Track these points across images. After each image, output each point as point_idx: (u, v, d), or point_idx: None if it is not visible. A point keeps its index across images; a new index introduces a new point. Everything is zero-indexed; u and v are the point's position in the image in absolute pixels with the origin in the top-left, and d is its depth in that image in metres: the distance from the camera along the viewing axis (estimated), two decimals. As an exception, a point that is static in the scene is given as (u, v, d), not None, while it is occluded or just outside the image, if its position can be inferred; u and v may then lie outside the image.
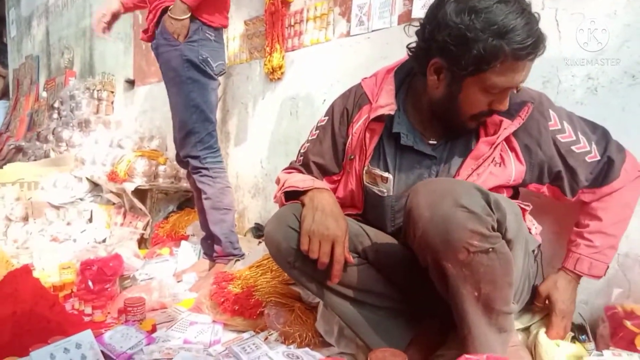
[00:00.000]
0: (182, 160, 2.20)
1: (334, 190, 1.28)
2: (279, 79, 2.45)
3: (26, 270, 1.63)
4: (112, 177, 2.82)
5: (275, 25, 2.40)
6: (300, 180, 1.20)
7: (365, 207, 1.27)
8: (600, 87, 1.33)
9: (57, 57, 5.40)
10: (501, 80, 1.00)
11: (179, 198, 2.99)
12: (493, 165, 1.11)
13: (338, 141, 1.28)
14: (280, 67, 2.41)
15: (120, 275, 2.04)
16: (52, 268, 2.29)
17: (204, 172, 2.10)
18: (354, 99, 1.27)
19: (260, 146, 2.63)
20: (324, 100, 2.21)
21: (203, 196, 2.13)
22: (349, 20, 2.10)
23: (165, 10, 1.97)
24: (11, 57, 7.33)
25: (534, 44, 0.96)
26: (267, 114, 2.58)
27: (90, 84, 4.15)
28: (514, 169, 1.13)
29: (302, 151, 1.36)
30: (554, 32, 1.40)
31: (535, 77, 1.44)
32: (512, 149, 1.13)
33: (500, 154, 1.12)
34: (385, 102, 1.17)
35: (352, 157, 1.24)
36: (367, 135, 1.20)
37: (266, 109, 2.58)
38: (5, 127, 6.70)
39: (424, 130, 1.18)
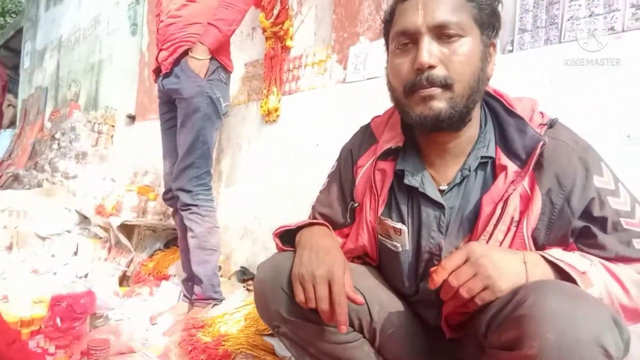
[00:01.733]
0: (169, 198, 2.16)
1: (343, 245, 1.10)
2: (274, 121, 2.44)
3: (-13, 303, 1.55)
4: (99, 210, 2.78)
5: (273, 68, 2.42)
6: (294, 222, 1.05)
7: (380, 262, 1.09)
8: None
9: (65, 90, 5.49)
10: (399, 24, 0.90)
11: (167, 236, 2.93)
12: (513, 226, 0.88)
13: (345, 188, 1.10)
14: (276, 110, 2.41)
15: (92, 314, 1.95)
16: (25, 301, 2.20)
17: (194, 209, 2.06)
18: (359, 139, 1.11)
19: (252, 188, 2.59)
20: (317, 145, 2.19)
21: (189, 234, 2.07)
22: (345, 68, 2.10)
23: (186, 52, 2.04)
24: (22, 88, 7.47)
25: None
26: (260, 156, 2.55)
27: (92, 117, 4.18)
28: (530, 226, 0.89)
29: (312, 204, 1.19)
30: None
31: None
32: (530, 198, 0.88)
33: (520, 206, 0.88)
34: (391, 136, 1.01)
35: (357, 205, 1.06)
36: (377, 177, 1.01)
37: (260, 151, 2.56)
38: (8, 155, 6.73)
39: (435, 171, 0.97)
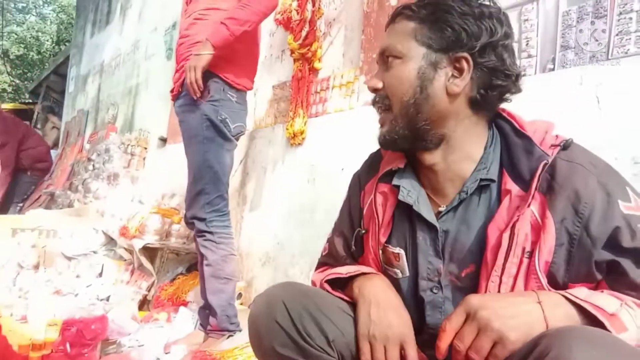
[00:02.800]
0: (189, 222, 2.10)
1: None
2: (299, 144, 2.37)
3: (-7, 325, 1.50)
4: (123, 232, 2.75)
5: (300, 90, 2.36)
6: (343, 268, 0.97)
7: None
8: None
9: (104, 113, 5.64)
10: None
11: (190, 260, 2.86)
12: (525, 257, 0.77)
13: (354, 216, 1.04)
14: (302, 132, 2.33)
15: (104, 339, 1.89)
16: (42, 323, 2.17)
17: (208, 236, 1.97)
18: (368, 165, 1.06)
19: (275, 213, 2.50)
20: (342, 169, 2.08)
21: (204, 262, 1.99)
22: (373, 89, 2.01)
23: None
24: (65, 111, 7.77)
25: (402, 7, 0.89)
26: (285, 180, 2.47)
27: (125, 139, 4.24)
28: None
29: (328, 237, 1.13)
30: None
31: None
32: (542, 227, 0.76)
33: (532, 236, 0.77)
34: (393, 157, 0.96)
35: (365, 231, 0.99)
36: (378, 200, 0.95)
37: (284, 174, 2.48)
38: (49, 176, 6.95)
39: (433, 192, 0.91)
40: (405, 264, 0.92)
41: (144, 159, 4.14)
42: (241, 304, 2.51)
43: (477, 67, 0.83)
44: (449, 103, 0.85)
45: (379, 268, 0.97)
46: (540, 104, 1.43)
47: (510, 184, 0.82)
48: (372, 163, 1.04)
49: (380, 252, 0.95)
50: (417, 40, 0.85)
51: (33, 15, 21.68)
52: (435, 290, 0.87)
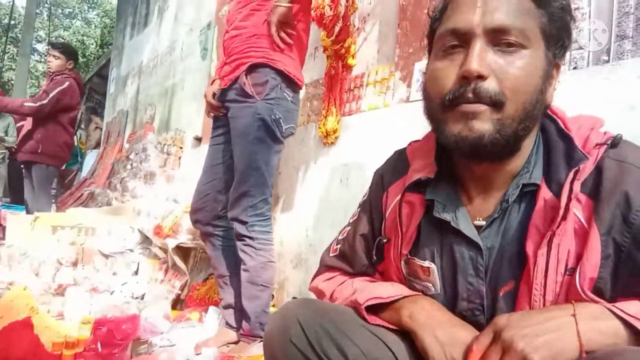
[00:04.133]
0: (195, 220, 2.07)
1: None
2: (332, 143, 2.31)
3: (25, 323, 1.51)
4: (157, 231, 2.76)
5: (333, 88, 2.30)
6: (380, 288, 0.86)
7: None
8: None
9: (142, 113, 5.75)
10: (450, 21, 0.73)
11: (222, 260, 2.85)
12: (568, 274, 0.68)
13: (375, 220, 0.94)
14: (335, 131, 2.27)
15: (135, 339, 1.88)
16: (77, 320, 2.19)
17: (249, 241, 1.91)
18: (392, 165, 0.96)
19: (307, 213, 2.45)
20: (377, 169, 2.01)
21: (242, 267, 1.94)
22: (409, 86, 1.93)
23: (248, 70, 1.89)
24: (107, 112, 8.00)
25: None
26: (317, 180, 2.41)
27: (162, 138, 4.30)
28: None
29: (339, 237, 1.01)
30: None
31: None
32: (587, 239, 0.67)
33: (576, 247, 0.68)
34: (423, 164, 0.85)
35: (386, 240, 0.90)
36: (404, 211, 0.85)
37: (317, 174, 2.42)
38: (91, 174, 7.17)
39: (472, 205, 0.81)
40: (437, 279, 0.82)
41: (179, 158, 4.18)
42: (273, 306, 2.48)
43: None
44: (543, 112, 0.76)
45: (401, 280, 0.88)
46: (593, 99, 1.31)
47: (545, 192, 0.72)
48: (398, 164, 0.93)
49: (403, 263, 0.86)
50: (541, 30, 0.71)
51: (79, 20, 22.57)
52: (477, 313, 0.78)
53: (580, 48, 1.40)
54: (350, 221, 1.01)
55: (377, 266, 0.94)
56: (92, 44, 20.34)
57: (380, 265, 0.94)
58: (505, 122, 0.69)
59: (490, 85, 0.68)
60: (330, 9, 2.28)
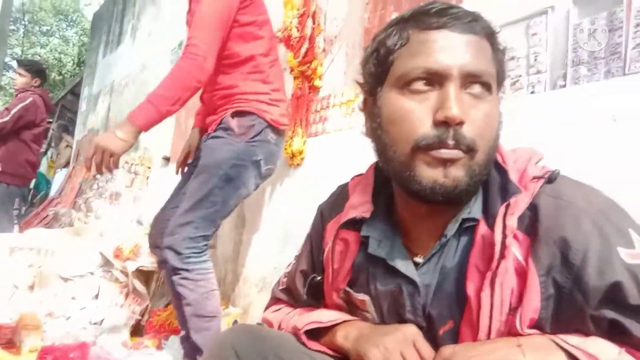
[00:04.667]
0: (155, 248, 1.97)
1: None
2: (298, 164, 2.27)
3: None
4: (117, 253, 2.66)
5: (299, 109, 2.28)
6: (321, 314, 0.85)
7: None
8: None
9: (112, 132, 5.63)
10: (419, 59, 0.68)
11: (186, 284, 2.76)
12: (512, 315, 0.66)
13: (314, 256, 0.94)
14: (301, 153, 2.24)
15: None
16: (25, 348, 2.07)
17: (185, 273, 1.77)
18: (332, 201, 0.94)
19: (273, 236, 2.39)
20: (341, 192, 1.98)
21: (183, 301, 1.79)
22: (374, 108, 1.92)
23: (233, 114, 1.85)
24: (77, 130, 7.83)
25: (451, 14, 0.68)
26: (283, 202, 2.37)
27: (129, 158, 4.20)
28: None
29: (287, 270, 1.02)
30: None
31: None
32: (525, 280, 0.65)
33: (518, 286, 0.66)
34: (359, 201, 0.83)
35: (319, 278, 0.89)
36: (338, 248, 0.84)
37: (283, 196, 2.38)
38: (58, 194, 6.96)
39: (409, 240, 0.79)
40: (374, 311, 0.81)
41: (147, 178, 4.08)
42: (236, 331, 2.39)
43: None
44: None
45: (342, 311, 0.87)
46: (550, 123, 1.31)
47: (483, 228, 0.69)
48: (338, 199, 0.92)
49: (342, 294, 0.84)
50: (496, 74, 0.71)
51: (56, 37, 22.30)
52: None
53: (538, 72, 1.41)
54: (296, 255, 1.01)
55: (320, 300, 0.93)
56: (69, 61, 20.08)
57: (322, 300, 0.92)
58: (476, 169, 0.67)
59: (467, 132, 0.66)
60: (298, 30, 2.28)
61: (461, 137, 0.65)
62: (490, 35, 0.71)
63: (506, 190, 0.69)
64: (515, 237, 0.66)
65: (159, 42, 4.65)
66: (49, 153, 9.62)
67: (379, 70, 0.74)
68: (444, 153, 0.66)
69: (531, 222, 0.66)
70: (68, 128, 9.59)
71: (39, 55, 19.90)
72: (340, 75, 2.19)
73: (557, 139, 1.28)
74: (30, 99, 3.88)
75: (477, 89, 0.68)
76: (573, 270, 0.62)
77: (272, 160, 1.93)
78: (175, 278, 1.78)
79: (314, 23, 2.25)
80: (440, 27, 0.68)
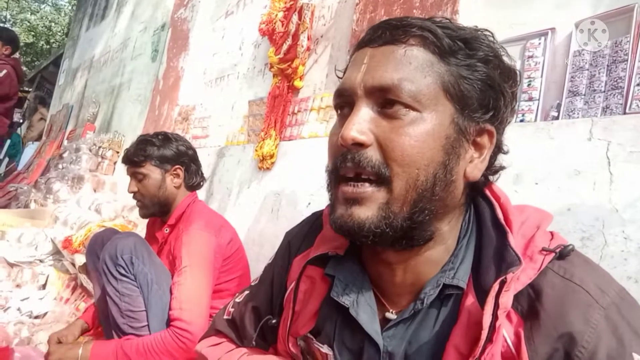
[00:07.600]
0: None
1: None
2: (267, 168, 2.11)
3: None
4: (66, 244, 2.46)
5: (275, 109, 2.12)
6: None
7: None
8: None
9: (86, 110, 5.40)
10: (341, 81, 0.62)
11: (140, 282, 2.58)
12: None
13: (275, 289, 0.80)
14: (272, 156, 2.08)
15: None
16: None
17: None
18: (305, 230, 0.81)
19: (234, 242, 2.23)
20: (309, 204, 1.83)
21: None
22: (352, 117, 1.77)
23: None
24: (53, 104, 7.54)
25: (382, 28, 0.59)
26: (248, 207, 2.21)
27: (98, 140, 3.98)
28: None
29: (236, 299, 0.87)
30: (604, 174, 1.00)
31: (571, 229, 1.02)
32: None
33: None
34: (333, 235, 0.70)
35: (276, 322, 0.76)
36: (302, 287, 0.71)
37: (249, 200, 2.22)
38: (26, 169, 6.67)
39: (382, 292, 0.66)
40: None
41: (114, 163, 3.86)
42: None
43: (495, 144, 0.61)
44: (461, 190, 0.60)
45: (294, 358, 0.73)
46: (536, 157, 1.18)
47: (469, 301, 0.56)
48: (310, 230, 0.78)
49: (301, 342, 0.71)
50: (444, 90, 0.57)
51: (48, 5, 21.68)
52: None
53: (530, 99, 1.28)
54: (252, 284, 0.87)
55: (270, 344, 0.79)
56: (59, 31, 19.55)
57: (272, 346, 0.79)
58: (393, 206, 0.56)
59: (372, 154, 0.56)
60: (282, 24, 2.12)
61: (363, 159, 0.56)
62: (435, 42, 0.57)
63: (503, 258, 0.56)
64: (507, 316, 0.53)
65: (143, 21, 4.43)
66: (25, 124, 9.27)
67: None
68: (345, 189, 0.58)
69: (531, 303, 0.54)
70: (45, 100, 9.24)
71: (29, 22, 19.36)
72: (322, 77, 2.04)
73: (540, 175, 1.15)
74: (5, 72, 3.66)
75: (396, 107, 0.56)
76: None
77: None
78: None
79: (299, 19, 2.09)
80: (365, 44, 0.61)
